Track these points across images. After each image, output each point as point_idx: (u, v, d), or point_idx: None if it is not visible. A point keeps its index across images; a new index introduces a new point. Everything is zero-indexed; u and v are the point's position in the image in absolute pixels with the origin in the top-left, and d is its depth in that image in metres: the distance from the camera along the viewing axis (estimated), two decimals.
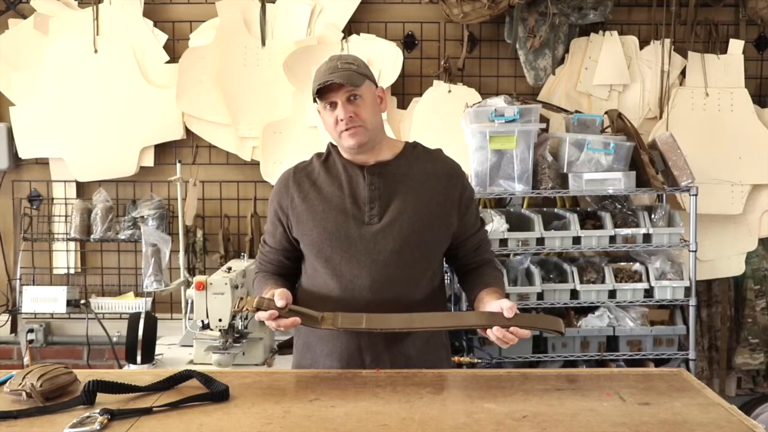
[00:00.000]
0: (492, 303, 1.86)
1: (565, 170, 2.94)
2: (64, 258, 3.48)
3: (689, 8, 3.35)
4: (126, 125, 3.37)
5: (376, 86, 2.04)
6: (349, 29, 3.36)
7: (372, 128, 1.96)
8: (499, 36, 3.39)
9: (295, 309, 1.82)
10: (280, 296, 1.81)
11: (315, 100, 2.00)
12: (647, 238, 2.94)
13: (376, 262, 1.93)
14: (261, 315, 1.80)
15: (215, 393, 1.61)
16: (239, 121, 3.35)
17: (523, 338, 1.79)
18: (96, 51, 3.35)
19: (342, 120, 1.92)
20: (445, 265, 2.21)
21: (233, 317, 2.57)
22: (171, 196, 3.39)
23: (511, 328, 1.76)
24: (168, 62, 3.38)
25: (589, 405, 1.58)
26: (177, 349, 2.98)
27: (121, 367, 2.93)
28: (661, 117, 3.33)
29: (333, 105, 1.94)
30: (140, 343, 2.67)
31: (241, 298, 1.85)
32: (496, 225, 2.91)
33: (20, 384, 1.59)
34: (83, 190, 3.50)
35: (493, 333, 1.77)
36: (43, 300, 3.36)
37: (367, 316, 1.82)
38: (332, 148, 2.07)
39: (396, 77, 3.26)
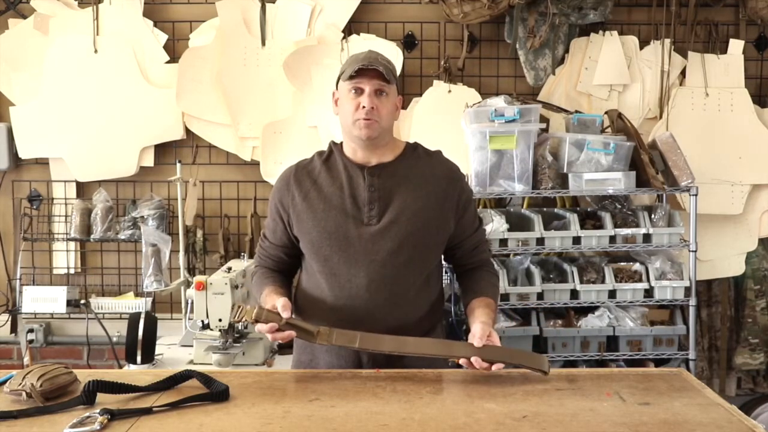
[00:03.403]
0: (473, 325, 1.89)
1: (565, 170, 2.94)
2: (64, 258, 3.48)
3: (689, 8, 3.35)
4: (126, 125, 3.37)
5: (398, 94, 2.06)
6: (349, 29, 3.37)
7: (385, 127, 1.99)
8: (499, 36, 3.39)
9: (293, 323, 1.84)
10: (283, 307, 1.84)
11: (337, 84, 2.03)
12: (647, 238, 2.94)
13: (374, 262, 1.94)
14: (261, 327, 1.83)
15: (215, 393, 1.61)
16: (239, 121, 3.35)
17: (498, 370, 1.80)
18: (96, 51, 3.35)
19: (364, 108, 1.93)
20: (446, 265, 2.22)
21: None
22: (171, 196, 3.39)
23: (494, 366, 1.78)
24: (168, 62, 3.38)
25: (589, 405, 1.58)
26: (177, 349, 2.98)
27: (121, 367, 2.93)
28: (661, 117, 3.33)
29: (359, 91, 1.95)
30: (140, 343, 2.66)
31: (240, 307, 1.87)
32: (496, 225, 2.90)
33: (20, 384, 1.59)
34: (83, 190, 3.50)
35: (473, 362, 1.78)
36: (43, 300, 3.36)
37: (361, 336, 1.84)
38: (334, 146, 2.08)
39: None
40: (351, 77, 1.95)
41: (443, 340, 2.00)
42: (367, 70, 1.93)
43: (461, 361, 1.80)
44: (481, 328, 1.84)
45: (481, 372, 1.80)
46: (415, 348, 1.84)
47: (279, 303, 1.85)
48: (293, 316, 1.88)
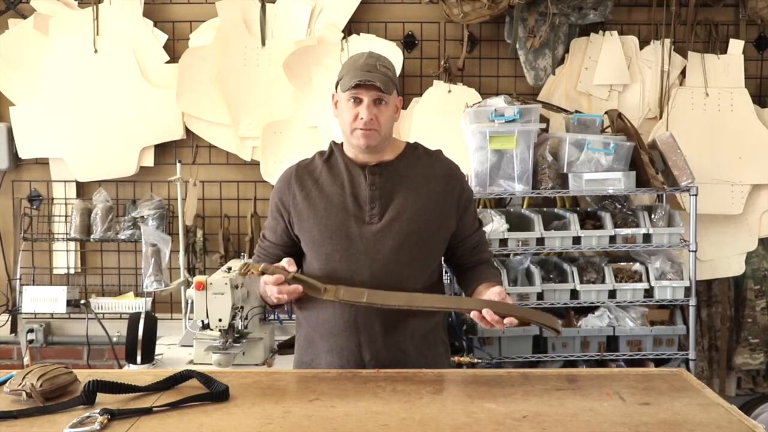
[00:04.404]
0: (485, 293, 1.89)
1: (565, 170, 2.94)
2: (64, 258, 3.48)
3: (689, 8, 3.35)
4: (126, 125, 3.37)
5: (398, 95, 2.05)
6: (349, 29, 3.36)
7: (384, 134, 1.98)
8: (499, 36, 3.39)
9: (299, 277, 1.84)
10: (289, 263, 1.86)
11: (336, 87, 2.02)
12: (647, 238, 2.94)
13: (375, 261, 1.94)
14: (267, 279, 1.83)
15: (215, 393, 1.61)
16: (239, 121, 3.35)
17: (511, 325, 1.78)
18: (96, 51, 3.35)
19: (362, 119, 1.93)
20: (445, 266, 2.22)
21: (233, 318, 2.57)
22: (171, 196, 3.39)
23: (506, 319, 1.76)
24: (168, 62, 3.37)
25: (589, 405, 1.58)
26: (177, 349, 2.98)
27: (121, 367, 2.93)
28: (661, 117, 3.33)
29: (357, 101, 1.95)
30: (140, 343, 2.67)
31: (246, 264, 1.87)
32: (496, 225, 2.90)
33: (20, 384, 1.59)
34: (83, 190, 3.49)
35: (485, 315, 1.76)
36: (43, 300, 3.36)
37: (369, 292, 1.85)
38: (335, 146, 2.08)
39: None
40: (348, 87, 1.93)
41: (452, 296, 1.99)
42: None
43: (473, 314, 1.79)
44: (494, 288, 1.84)
45: (481, 372, 1.80)
46: (424, 302, 1.85)
47: (284, 260, 1.87)
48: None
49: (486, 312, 1.76)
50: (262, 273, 1.82)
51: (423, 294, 1.89)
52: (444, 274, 2.20)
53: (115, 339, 3.23)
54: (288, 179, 2.06)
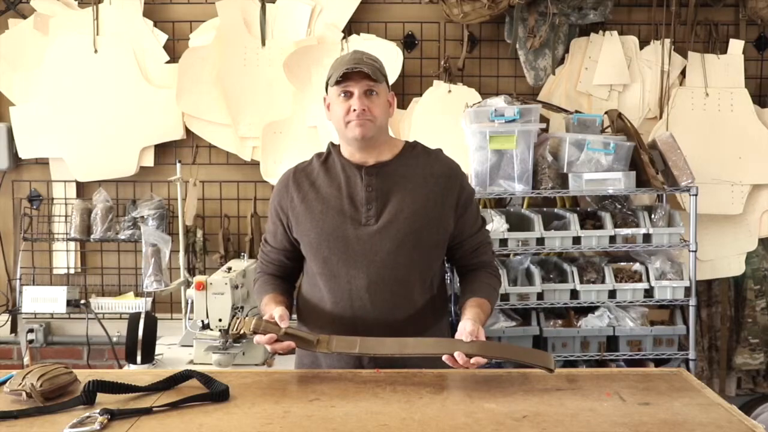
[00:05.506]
0: (461, 323, 1.87)
1: (565, 170, 2.94)
2: (64, 258, 3.48)
3: (689, 8, 3.35)
4: (126, 125, 3.37)
5: (389, 90, 2.05)
6: (349, 29, 3.36)
7: (379, 126, 1.97)
8: (499, 36, 3.39)
9: (291, 332, 1.84)
10: (281, 318, 1.84)
11: (326, 89, 2.02)
12: (647, 238, 2.94)
13: (374, 263, 1.93)
14: (260, 339, 1.82)
15: (215, 393, 1.61)
16: (239, 121, 3.35)
17: (478, 365, 1.76)
18: (96, 51, 3.35)
19: (355, 111, 1.93)
20: (448, 265, 2.21)
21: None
22: (171, 196, 3.39)
23: (473, 359, 1.73)
24: (168, 62, 3.38)
25: (589, 405, 1.59)
26: (177, 349, 2.98)
27: (121, 367, 2.93)
28: (661, 117, 3.33)
29: (348, 95, 1.95)
30: (140, 343, 2.67)
31: (238, 319, 1.87)
32: (496, 225, 2.91)
33: (20, 384, 1.59)
34: (83, 190, 3.49)
35: (457, 358, 1.74)
36: (43, 300, 3.36)
37: (361, 340, 1.83)
38: (332, 147, 2.08)
39: (396, 77, 3.26)
40: (338, 82, 1.94)
41: (444, 339, 1.97)
42: (353, 73, 1.92)
43: (444, 358, 1.76)
44: (466, 324, 1.83)
45: (481, 372, 1.79)
46: (416, 348, 1.83)
47: (276, 313, 1.85)
48: (293, 322, 1.87)
49: (457, 355, 1.74)
50: (254, 332, 1.81)
51: (415, 339, 1.85)
52: (446, 274, 2.20)
53: (115, 339, 3.24)
54: (286, 183, 2.06)
